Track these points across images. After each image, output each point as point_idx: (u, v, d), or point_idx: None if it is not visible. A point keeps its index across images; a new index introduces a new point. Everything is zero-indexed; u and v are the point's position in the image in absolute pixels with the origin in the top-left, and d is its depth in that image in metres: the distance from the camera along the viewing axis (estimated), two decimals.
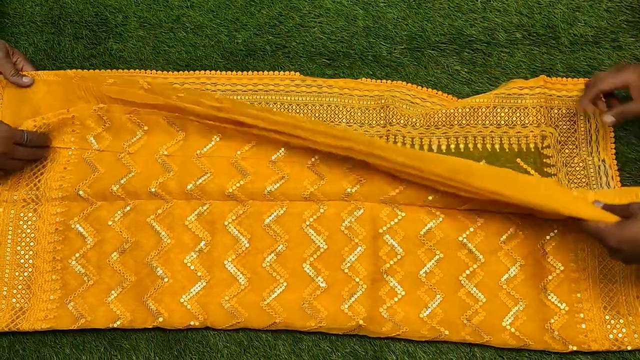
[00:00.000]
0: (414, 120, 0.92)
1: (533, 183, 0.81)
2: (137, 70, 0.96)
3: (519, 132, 0.92)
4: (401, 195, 0.88)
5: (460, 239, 0.89)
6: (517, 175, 0.83)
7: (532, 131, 0.91)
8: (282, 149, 0.91)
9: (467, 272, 0.88)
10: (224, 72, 0.96)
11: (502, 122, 0.92)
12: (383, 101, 0.92)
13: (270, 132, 0.87)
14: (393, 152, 0.83)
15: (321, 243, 0.89)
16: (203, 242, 0.90)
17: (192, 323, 0.88)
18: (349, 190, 0.89)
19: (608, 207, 0.76)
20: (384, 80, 0.94)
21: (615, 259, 0.76)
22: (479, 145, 0.92)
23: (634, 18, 0.94)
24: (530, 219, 0.89)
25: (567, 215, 0.77)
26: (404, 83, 0.94)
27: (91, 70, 0.95)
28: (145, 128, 0.92)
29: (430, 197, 0.88)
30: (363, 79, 0.95)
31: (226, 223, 0.90)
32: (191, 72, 0.96)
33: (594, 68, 0.94)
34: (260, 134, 0.88)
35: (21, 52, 0.93)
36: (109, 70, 0.96)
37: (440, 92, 0.94)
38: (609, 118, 0.82)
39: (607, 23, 0.95)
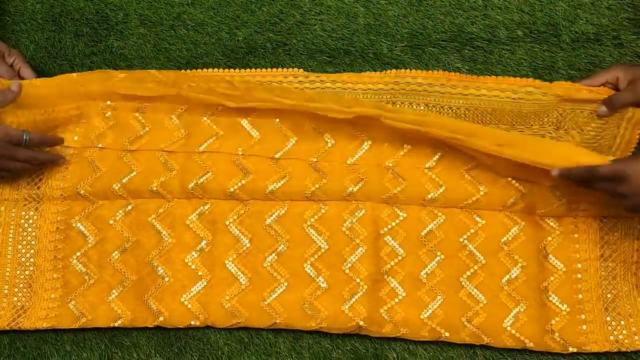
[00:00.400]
0: (421, 108, 0.91)
1: (539, 139, 0.85)
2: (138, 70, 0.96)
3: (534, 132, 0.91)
4: (402, 194, 0.88)
5: (461, 240, 0.89)
6: (522, 134, 0.86)
7: (550, 132, 0.90)
8: (284, 146, 0.91)
9: (468, 273, 0.88)
10: (226, 70, 0.95)
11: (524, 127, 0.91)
12: (388, 97, 0.92)
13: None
14: (401, 112, 0.85)
15: (322, 243, 0.89)
16: (204, 242, 0.90)
17: (192, 322, 0.88)
18: (350, 189, 0.89)
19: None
20: (388, 71, 0.93)
21: (621, 197, 0.76)
22: None
23: (635, 15, 0.94)
24: (532, 220, 0.88)
25: (576, 160, 0.78)
26: (408, 71, 0.92)
27: (99, 70, 0.92)
28: (147, 128, 0.92)
29: (430, 195, 0.88)
30: (367, 72, 0.94)
31: (227, 222, 0.90)
32: (193, 70, 0.95)
33: (595, 66, 0.93)
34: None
35: (21, 53, 0.92)
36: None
37: (444, 72, 0.92)
38: (601, 109, 0.86)
39: (609, 20, 0.94)
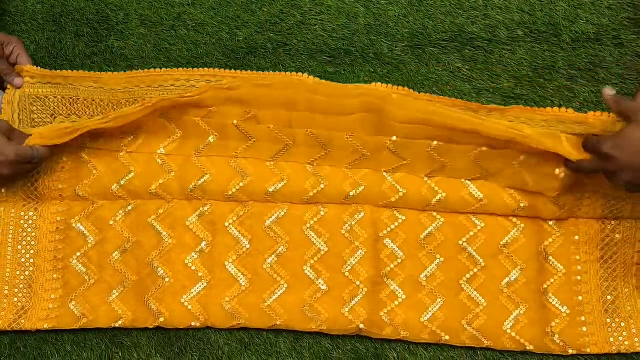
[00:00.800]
0: None
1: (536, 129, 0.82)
2: (138, 70, 0.95)
3: None
4: (401, 201, 0.88)
5: (461, 242, 0.89)
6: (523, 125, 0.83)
7: None
8: (280, 150, 0.90)
9: (468, 275, 0.88)
10: (226, 70, 0.94)
11: None
12: None
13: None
14: (406, 102, 0.85)
15: (322, 245, 0.89)
16: (204, 243, 0.90)
17: (193, 323, 0.88)
18: (350, 193, 0.88)
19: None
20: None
21: (610, 170, 0.76)
22: None
23: (635, 15, 0.94)
24: (532, 222, 0.88)
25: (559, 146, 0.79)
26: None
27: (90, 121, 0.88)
28: (143, 128, 0.91)
29: (433, 201, 0.88)
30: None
31: (227, 224, 0.90)
32: (195, 69, 0.94)
33: (596, 65, 0.93)
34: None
35: (20, 40, 0.91)
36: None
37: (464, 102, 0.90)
38: (608, 91, 0.80)
39: (609, 20, 0.94)
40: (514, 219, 0.89)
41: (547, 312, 0.87)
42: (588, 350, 0.85)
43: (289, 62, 0.96)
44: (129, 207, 0.91)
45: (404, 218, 0.89)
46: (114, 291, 0.90)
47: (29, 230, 0.91)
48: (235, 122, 0.89)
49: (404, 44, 0.96)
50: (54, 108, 0.90)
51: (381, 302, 0.88)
